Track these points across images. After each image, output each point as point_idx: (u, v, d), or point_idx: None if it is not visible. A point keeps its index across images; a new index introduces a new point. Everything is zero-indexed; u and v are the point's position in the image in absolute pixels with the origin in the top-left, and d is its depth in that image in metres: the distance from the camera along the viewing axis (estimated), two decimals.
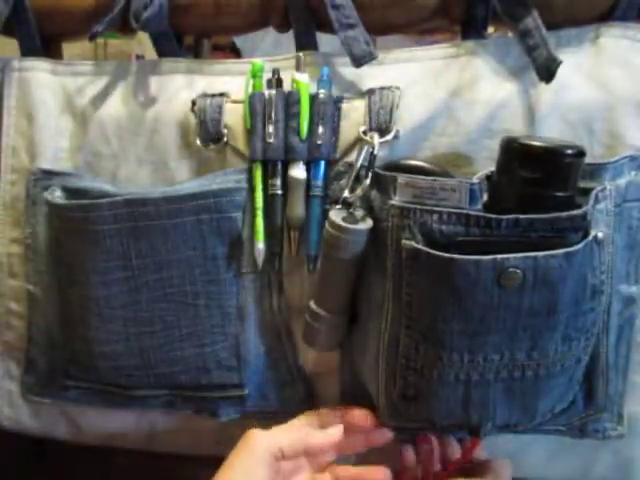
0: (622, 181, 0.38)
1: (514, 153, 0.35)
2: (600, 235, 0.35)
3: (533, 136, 0.39)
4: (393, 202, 0.37)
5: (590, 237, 0.34)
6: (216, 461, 0.49)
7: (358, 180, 0.39)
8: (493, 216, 0.34)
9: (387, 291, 0.38)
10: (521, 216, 0.34)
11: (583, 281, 0.35)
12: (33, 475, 0.53)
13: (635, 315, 0.41)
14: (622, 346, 0.41)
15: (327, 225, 0.39)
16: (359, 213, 0.39)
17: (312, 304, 0.41)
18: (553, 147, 0.34)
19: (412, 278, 0.36)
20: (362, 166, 0.40)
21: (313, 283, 0.43)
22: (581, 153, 0.34)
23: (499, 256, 0.33)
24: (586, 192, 0.36)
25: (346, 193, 0.39)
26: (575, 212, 0.34)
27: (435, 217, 0.35)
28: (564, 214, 0.34)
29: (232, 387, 0.46)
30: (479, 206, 0.36)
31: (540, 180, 0.34)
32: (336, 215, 0.38)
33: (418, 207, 0.36)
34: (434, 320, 0.35)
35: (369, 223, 0.38)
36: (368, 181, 0.39)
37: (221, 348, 0.45)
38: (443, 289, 0.35)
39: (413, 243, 0.35)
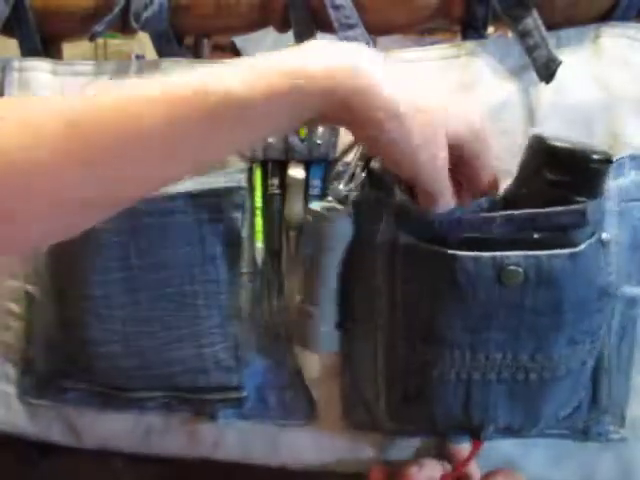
0: (624, 181, 0.38)
1: (541, 154, 0.34)
2: (605, 235, 0.35)
3: (561, 138, 0.36)
4: (389, 199, 0.37)
5: (594, 238, 0.34)
6: (215, 464, 0.49)
7: (353, 178, 0.39)
8: (487, 215, 0.34)
9: (383, 290, 0.38)
10: (515, 212, 0.34)
11: (589, 282, 0.35)
12: (33, 475, 0.53)
13: (637, 316, 0.40)
14: (624, 347, 0.40)
15: (308, 215, 0.39)
16: (338, 203, 0.38)
17: (299, 302, 0.41)
18: (582, 151, 0.33)
19: (408, 275, 0.36)
20: (357, 165, 0.39)
21: None
22: (608, 160, 0.33)
23: (499, 253, 0.33)
24: None
25: (341, 186, 0.39)
26: (573, 207, 0.33)
27: (433, 215, 0.35)
28: (559, 208, 0.33)
29: (231, 389, 0.45)
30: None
31: (566, 184, 0.33)
32: (316, 205, 0.38)
33: (415, 205, 0.36)
34: (434, 318, 0.35)
35: (347, 209, 0.38)
36: (360, 179, 0.39)
37: (220, 349, 0.44)
38: (443, 286, 0.34)
39: (410, 240, 0.35)
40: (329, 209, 0.38)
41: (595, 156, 0.33)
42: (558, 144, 0.33)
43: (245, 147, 0.32)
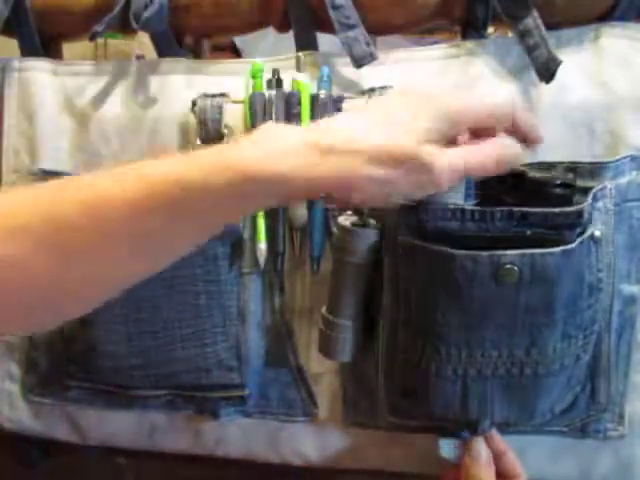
0: (623, 180, 0.38)
1: (506, 180, 0.35)
2: (597, 233, 0.35)
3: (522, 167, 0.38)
4: None
5: (586, 235, 0.34)
6: (216, 461, 0.49)
7: None
8: (487, 209, 0.34)
9: (384, 287, 0.38)
10: (514, 209, 0.34)
11: (580, 279, 0.35)
12: (34, 475, 0.53)
13: (636, 315, 0.41)
14: (623, 346, 0.41)
15: (337, 230, 0.39)
16: (367, 217, 0.39)
17: (327, 314, 0.40)
18: (547, 177, 0.35)
19: (409, 273, 0.36)
20: None
21: (315, 284, 0.43)
22: (571, 186, 0.35)
23: (496, 252, 0.33)
24: (587, 191, 0.36)
25: None
26: (568, 209, 0.34)
27: (430, 214, 0.35)
28: (557, 210, 0.34)
29: (233, 387, 0.46)
30: (473, 201, 0.36)
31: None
32: (345, 219, 0.39)
33: (413, 204, 0.36)
34: (432, 314, 0.35)
35: (378, 225, 0.38)
36: None
37: (222, 348, 0.45)
38: (440, 284, 0.35)
39: (409, 239, 0.35)
40: (359, 225, 0.38)
41: (559, 181, 0.35)
42: (525, 171, 0.35)
43: (208, 235, 0.34)
